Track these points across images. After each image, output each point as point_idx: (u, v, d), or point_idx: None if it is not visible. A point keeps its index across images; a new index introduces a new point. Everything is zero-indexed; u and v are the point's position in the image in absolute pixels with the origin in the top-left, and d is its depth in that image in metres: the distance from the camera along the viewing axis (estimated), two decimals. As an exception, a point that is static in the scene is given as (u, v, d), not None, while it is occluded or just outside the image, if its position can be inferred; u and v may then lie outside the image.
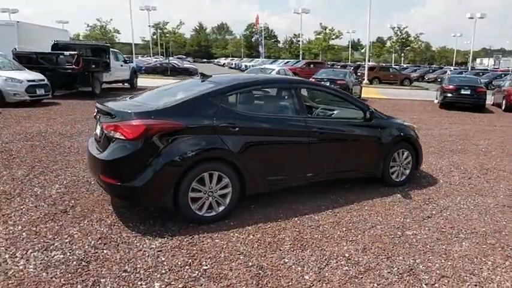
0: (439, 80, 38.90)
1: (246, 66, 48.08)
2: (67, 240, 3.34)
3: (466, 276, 3.03)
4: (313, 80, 16.78)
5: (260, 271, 2.98)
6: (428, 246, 3.50)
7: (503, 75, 29.88)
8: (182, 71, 31.42)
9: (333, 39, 29.91)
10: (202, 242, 3.42)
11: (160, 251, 3.23)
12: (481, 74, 33.72)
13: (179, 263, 3.05)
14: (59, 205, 4.09)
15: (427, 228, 3.88)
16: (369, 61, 64.40)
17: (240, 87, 4.13)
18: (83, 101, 12.26)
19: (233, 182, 3.80)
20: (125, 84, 18.32)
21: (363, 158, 4.84)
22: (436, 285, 2.89)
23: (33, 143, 6.67)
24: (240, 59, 61.85)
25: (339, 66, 35.46)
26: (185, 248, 3.28)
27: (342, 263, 3.15)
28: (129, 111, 3.54)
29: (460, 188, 5.28)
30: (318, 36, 30.52)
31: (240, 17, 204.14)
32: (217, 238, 3.50)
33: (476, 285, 2.91)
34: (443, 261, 3.25)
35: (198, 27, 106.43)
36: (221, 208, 3.80)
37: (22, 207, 4.01)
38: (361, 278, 2.95)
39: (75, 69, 12.73)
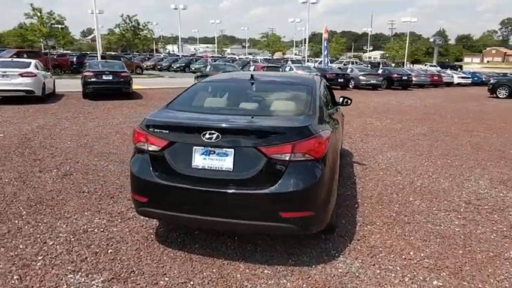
0: (158, 66, 42.34)
1: None
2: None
3: (493, 194, 4.91)
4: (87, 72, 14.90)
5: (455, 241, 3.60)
6: (442, 187, 5.14)
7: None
8: None
9: (53, 24, 25.87)
10: (369, 247, 3.48)
11: (375, 264, 3.11)
12: (194, 60, 40.08)
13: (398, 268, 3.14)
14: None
15: (417, 178, 5.52)
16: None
17: (322, 87, 4.07)
18: None
19: None
20: None
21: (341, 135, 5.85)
22: (487, 207, 4.55)
23: None
24: None
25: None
26: (374, 260, 3.25)
27: (441, 211, 4.25)
28: (304, 125, 2.96)
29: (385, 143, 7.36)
30: (32, 21, 25.40)
31: None
32: (366, 239, 3.62)
33: (492, 198, 4.82)
34: (466, 190, 5.02)
35: None
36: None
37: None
38: (465, 211, 4.20)
39: None
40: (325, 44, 26.49)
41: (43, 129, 8.33)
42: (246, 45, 76.96)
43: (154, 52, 71.13)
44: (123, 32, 29.37)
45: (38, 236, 3.50)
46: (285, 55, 62.31)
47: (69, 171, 5.43)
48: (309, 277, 2.92)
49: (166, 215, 3.07)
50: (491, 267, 3.15)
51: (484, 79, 31.99)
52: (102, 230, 3.64)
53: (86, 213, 4.04)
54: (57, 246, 3.30)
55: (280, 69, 20.08)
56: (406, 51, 48.65)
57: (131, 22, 29.53)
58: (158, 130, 3.01)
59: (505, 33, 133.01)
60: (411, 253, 3.33)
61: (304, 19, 37.33)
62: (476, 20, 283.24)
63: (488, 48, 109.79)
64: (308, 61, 44.44)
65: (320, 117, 3.27)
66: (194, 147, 2.92)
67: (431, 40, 58.07)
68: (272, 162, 2.81)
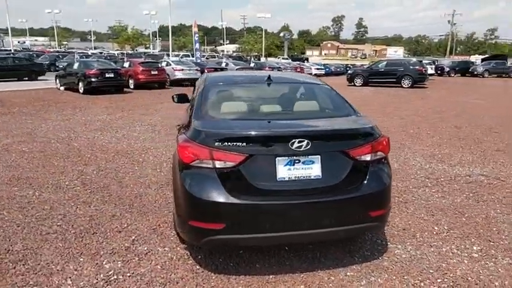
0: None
1: None
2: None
3: (435, 167, 5.86)
4: None
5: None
6: (396, 167, 5.92)
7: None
8: None
9: None
10: (402, 229, 3.85)
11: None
12: (35, 55, 34.31)
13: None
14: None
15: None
16: None
17: None
18: None
19: None
20: None
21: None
22: (443, 179, 5.49)
23: None
24: None
25: None
26: (418, 241, 3.66)
27: (417, 188, 4.94)
28: (373, 125, 3.13)
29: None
30: None
31: None
32: (393, 223, 3.99)
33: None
34: (415, 167, 5.87)
35: None
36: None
37: None
38: (433, 185, 4.99)
39: None
40: (196, 38, 26.51)
41: None
42: (92, 39, 69.94)
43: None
44: None
45: (46, 302, 2.66)
46: (133, 49, 59.16)
47: (-5, 210, 4.18)
48: (388, 269, 3.07)
49: (246, 238, 2.74)
50: (493, 226, 3.88)
51: (333, 70, 37.31)
52: (129, 275, 2.99)
53: (80, 259, 3.23)
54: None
55: (160, 65, 19.16)
56: (263, 45, 52.48)
57: None
58: (230, 144, 2.64)
59: (336, 29, 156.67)
60: (436, 228, 3.82)
61: (162, 11, 36.36)
62: (310, 18, 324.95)
63: (324, 42, 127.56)
64: (168, 55, 43.50)
65: None
66: (277, 158, 2.69)
67: (281, 35, 64.12)
68: (357, 164, 2.84)
